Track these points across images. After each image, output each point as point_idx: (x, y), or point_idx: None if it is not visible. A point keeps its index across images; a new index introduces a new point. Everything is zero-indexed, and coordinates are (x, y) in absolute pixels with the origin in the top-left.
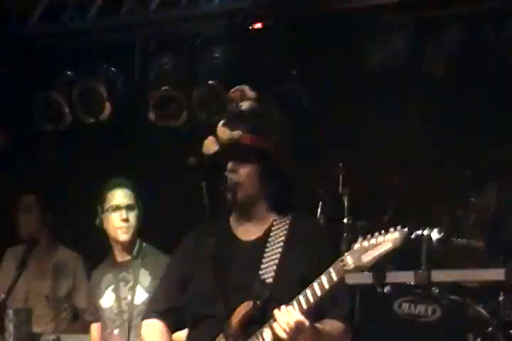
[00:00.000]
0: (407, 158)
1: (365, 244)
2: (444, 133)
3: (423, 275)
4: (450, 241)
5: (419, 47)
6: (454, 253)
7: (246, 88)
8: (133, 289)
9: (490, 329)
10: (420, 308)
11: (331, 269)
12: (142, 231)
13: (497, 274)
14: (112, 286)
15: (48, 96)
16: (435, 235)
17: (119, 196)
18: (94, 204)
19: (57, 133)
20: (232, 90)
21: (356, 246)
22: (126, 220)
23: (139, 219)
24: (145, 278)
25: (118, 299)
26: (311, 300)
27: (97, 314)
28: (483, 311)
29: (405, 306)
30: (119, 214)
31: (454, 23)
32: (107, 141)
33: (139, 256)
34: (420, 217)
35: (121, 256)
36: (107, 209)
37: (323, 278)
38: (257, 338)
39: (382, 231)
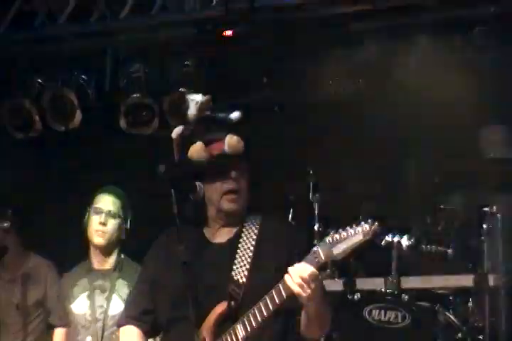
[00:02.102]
0: (378, 166)
1: (337, 236)
2: (415, 140)
3: (393, 282)
4: (420, 247)
5: (389, 54)
6: (423, 260)
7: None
8: (109, 298)
9: (459, 335)
10: (390, 315)
11: (303, 262)
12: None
13: (466, 280)
14: (87, 293)
15: (17, 103)
16: (405, 242)
17: (104, 200)
18: (63, 211)
19: (27, 140)
20: (203, 100)
21: (327, 238)
22: (103, 224)
23: (120, 229)
24: (123, 288)
25: (92, 306)
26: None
27: (63, 318)
28: (452, 317)
29: (375, 313)
30: (98, 217)
31: (425, 30)
32: (78, 149)
33: (117, 268)
34: (390, 224)
35: (98, 264)
36: (90, 211)
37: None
38: (230, 335)
39: (354, 225)
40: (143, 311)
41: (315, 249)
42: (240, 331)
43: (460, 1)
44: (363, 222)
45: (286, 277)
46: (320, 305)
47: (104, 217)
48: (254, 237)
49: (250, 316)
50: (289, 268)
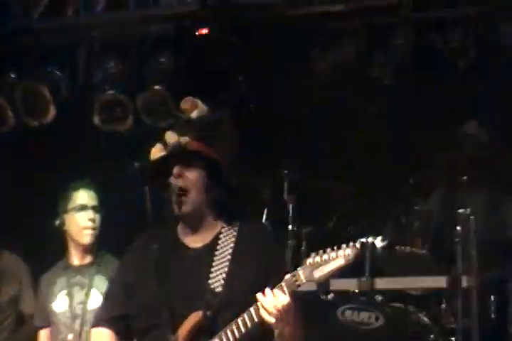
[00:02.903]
0: (353, 165)
1: (318, 259)
2: (391, 141)
3: (366, 282)
4: (394, 248)
5: (366, 53)
6: (397, 261)
7: (198, 101)
8: (87, 293)
9: (432, 336)
10: (363, 315)
11: (283, 284)
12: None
13: (439, 282)
14: (66, 290)
15: None
16: (379, 242)
17: (85, 196)
18: (38, 208)
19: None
20: (183, 101)
21: (309, 261)
22: (92, 220)
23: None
24: (101, 283)
25: (71, 303)
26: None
27: (47, 319)
28: (425, 318)
29: (349, 313)
30: (86, 214)
31: (403, 30)
32: (51, 145)
33: (95, 262)
34: (364, 225)
35: (78, 260)
36: (72, 209)
37: (276, 292)
38: None
39: (335, 247)
40: (117, 316)
41: (296, 271)
42: None
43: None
44: (344, 246)
45: (260, 305)
46: (292, 330)
47: (92, 213)
48: (232, 245)
49: (228, 332)
50: (261, 297)
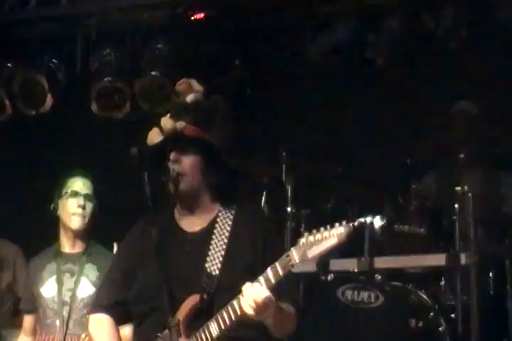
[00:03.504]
0: (350, 147)
1: (311, 238)
2: (387, 122)
3: (366, 262)
4: (392, 228)
5: (361, 35)
6: (396, 240)
7: (193, 81)
8: (77, 281)
9: (432, 314)
10: (363, 295)
11: (277, 264)
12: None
13: (438, 259)
14: (55, 276)
15: None
16: (377, 222)
17: (80, 183)
18: (36, 196)
19: None
20: (179, 82)
21: (302, 241)
22: (83, 207)
23: (95, 213)
24: (91, 271)
25: (61, 290)
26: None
27: (33, 303)
28: (424, 296)
29: (349, 293)
30: (76, 200)
31: (394, 11)
32: (49, 133)
33: (87, 251)
34: (363, 205)
35: (69, 247)
36: (65, 194)
37: (270, 273)
38: (204, 332)
39: (328, 226)
40: (114, 301)
41: (290, 251)
42: (214, 329)
43: None
44: (337, 224)
45: (241, 298)
46: (277, 320)
47: (82, 200)
48: (228, 228)
49: (224, 315)
50: (244, 290)
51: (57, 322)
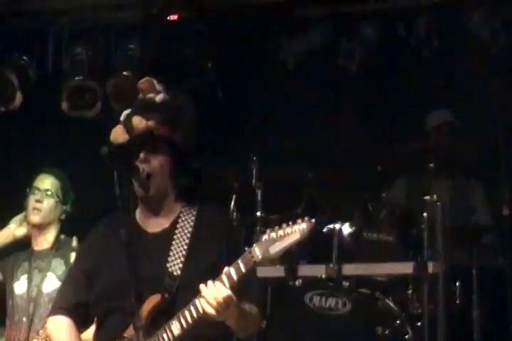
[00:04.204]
0: (321, 152)
1: (273, 235)
2: (357, 128)
3: (334, 268)
4: (361, 235)
5: (334, 42)
6: (364, 247)
7: (154, 80)
8: (43, 276)
9: (398, 322)
10: (331, 301)
11: (239, 261)
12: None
13: (406, 267)
14: (26, 275)
15: None
16: (346, 229)
17: (41, 180)
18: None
19: None
20: (141, 81)
21: (264, 237)
22: (39, 201)
23: (57, 209)
24: (59, 266)
25: (30, 286)
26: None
27: None
28: (391, 304)
29: (316, 299)
30: (34, 196)
31: (369, 19)
32: (18, 131)
33: (54, 247)
34: (332, 211)
35: (37, 245)
36: (29, 191)
37: (232, 270)
38: (165, 331)
39: (290, 223)
40: (76, 303)
41: (252, 247)
42: (175, 328)
43: None
44: (299, 220)
45: (202, 296)
46: (239, 320)
47: (40, 195)
48: (190, 229)
49: (186, 314)
50: (203, 289)
51: (24, 319)
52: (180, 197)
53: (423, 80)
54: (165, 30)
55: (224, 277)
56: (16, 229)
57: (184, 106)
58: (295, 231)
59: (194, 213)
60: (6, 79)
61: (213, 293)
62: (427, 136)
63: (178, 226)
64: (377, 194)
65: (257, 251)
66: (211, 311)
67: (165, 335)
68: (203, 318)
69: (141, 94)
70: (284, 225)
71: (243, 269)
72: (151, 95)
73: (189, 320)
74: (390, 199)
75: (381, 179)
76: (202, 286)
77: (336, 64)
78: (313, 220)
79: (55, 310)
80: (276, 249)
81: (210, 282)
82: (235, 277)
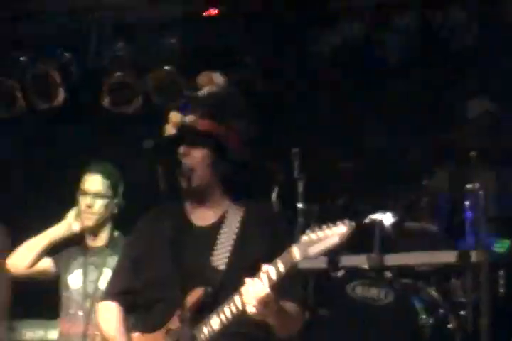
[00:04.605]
0: (362, 143)
1: (313, 236)
2: (399, 118)
3: (376, 258)
4: (403, 224)
5: (372, 34)
6: (406, 237)
7: (216, 74)
8: (100, 272)
9: (441, 311)
10: (373, 292)
11: (278, 260)
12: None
13: (449, 257)
14: (81, 270)
15: (0, 81)
16: (388, 219)
17: (90, 181)
18: (46, 189)
19: (10, 118)
20: (200, 75)
21: (304, 238)
22: (89, 207)
23: (108, 208)
24: (114, 262)
25: (85, 281)
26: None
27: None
28: (434, 294)
29: (358, 290)
30: (84, 199)
31: (408, 10)
32: (61, 127)
33: (109, 245)
34: (373, 201)
35: (90, 241)
36: (79, 192)
37: (271, 269)
38: (206, 326)
39: (330, 224)
40: (123, 290)
41: (291, 248)
42: (216, 323)
43: None
44: (339, 222)
45: (241, 295)
46: (279, 320)
47: (90, 199)
48: (237, 225)
49: (225, 310)
50: (243, 288)
51: (80, 313)
52: (227, 192)
53: (462, 69)
54: (204, 24)
55: (263, 275)
56: (73, 223)
57: (233, 100)
58: (334, 234)
59: (243, 209)
60: (48, 75)
61: (252, 291)
62: (469, 124)
63: (225, 221)
64: (419, 183)
65: (295, 252)
66: (250, 309)
67: (205, 329)
68: (242, 315)
69: (196, 88)
70: (325, 227)
71: (282, 269)
72: (207, 88)
73: (229, 316)
74: (431, 189)
75: (423, 168)
76: (243, 285)
77: (372, 54)
78: (353, 223)
79: (105, 296)
80: (315, 250)
81: (249, 280)
82: (274, 277)
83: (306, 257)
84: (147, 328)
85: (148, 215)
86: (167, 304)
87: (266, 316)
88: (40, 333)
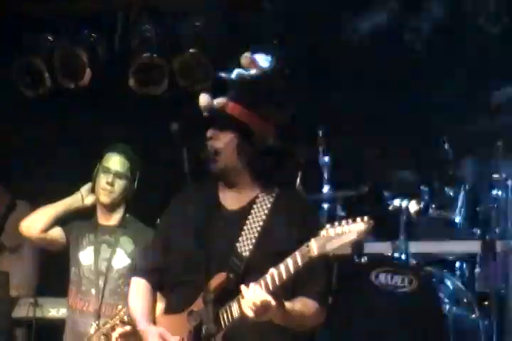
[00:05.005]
0: (387, 130)
1: (331, 232)
2: (424, 107)
3: (401, 246)
4: (428, 213)
5: (400, 19)
6: (431, 225)
7: (260, 56)
8: (113, 251)
9: (465, 300)
10: (397, 279)
11: (297, 253)
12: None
13: (473, 246)
14: (93, 247)
15: (28, 60)
16: (413, 206)
17: (113, 160)
18: (73, 168)
19: (37, 97)
20: (242, 57)
21: (323, 233)
22: (111, 184)
23: (126, 190)
24: (127, 244)
25: (97, 259)
26: (277, 281)
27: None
28: (458, 283)
29: (382, 277)
30: (106, 177)
31: None
32: (87, 107)
33: (122, 225)
34: (399, 188)
35: (104, 220)
36: (99, 169)
37: (289, 262)
38: (226, 312)
39: (350, 220)
40: (153, 267)
41: (309, 242)
42: (235, 310)
43: None
44: (359, 219)
45: (241, 299)
46: (285, 320)
47: (111, 177)
48: (266, 211)
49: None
50: (243, 288)
51: (93, 290)
52: (257, 177)
53: (491, 58)
54: (231, 7)
55: (268, 278)
56: (85, 197)
57: (272, 85)
58: (352, 231)
59: (273, 195)
60: (75, 55)
61: (251, 297)
62: (495, 114)
63: (254, 206)
64: (445, 171)
65: (313, 246)
66: (249, 313)
67: (225, 315)
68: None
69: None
70: (344, 222)
71: (299, 262)
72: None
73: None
74: (456, 178)
75: (448, 156)
76: (243, 287)
77: (402, 41)
78: (371, 221)
79: (137, 272)
80: (332, 246)
81: (251, 285)
82: (292, 269)
83: (322, 252)
84: (171, 309)
85: (180, 196)
86: (191, 286)
87: (268, 319)
88: (64, 311)
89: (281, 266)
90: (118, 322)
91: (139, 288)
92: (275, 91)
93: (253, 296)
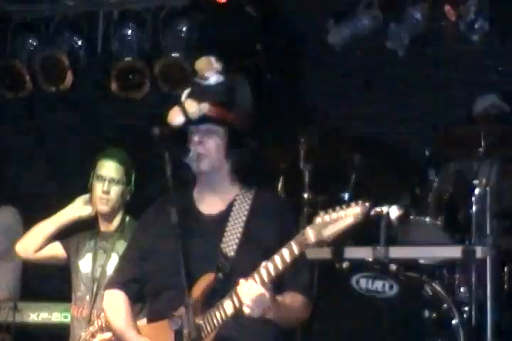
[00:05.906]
0: (369, 135)
1: (327, 218)
2: (406, 112)
3: (381, 251)
4: (409, 218)
5: (383, 25)
6: (412, 231)
7: (212, 59)
8: (108, 256)
9: (445, 306)
10: (377, 284)
11: (293, 242)
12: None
13: (454, 252)
14: (91, 253)
15: (8, 63)
16: (394, 212)
17: (106, 167)
18: (52, 170)
19: (17, 101)
20: (198, 60)
21: (318, 219)
22: (106, 193)
23: (123, 195)
24: (122, 248)
25: (94, 266)
26: (272, 272)
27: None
28: (439, 288)
29: (363, 282)
30: (101, 185)
31: (417, 2)
32: (68, 110)
33: (119, 229)
34: (379, 194)
35: (103, 226)
36: (93, 177)
37: (285, 251)
38: (218, 309)
39: (344, 206)
40: (130, 279)
41: (305, 230)
42: (228, 307)
43: None
44: (353, 204)
45: (237, 295)
46: (277, 314)
47: (107, 185)
48: (246, 212)
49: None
50: (239, 287)
51: (87, 297)
52: (236, 178)
53: (471, 64)
54: (213, 12)
55: (263, 271)
56: (80, 208)
57: (239, 87)
58: (349, 215)
59: (251, 197)
60: (57, 59)
61: (247, 291)
62: (475, 120)
63: (233, 208)
64: (425, 177)
65: (310, 234)
66: (246, 309)
67: (217, 313)
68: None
69: (197, 76)
70: (338, 208)
71: (296, 250)
72: (206, 75)
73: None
74: (438, 183)
75: (429, 163)
76: (238, 286)
77: (383, 48)
78: (367, 204)
79: (111, 284)
80: (329, 232)
81: (243, 280)
82: (288, 259)
83: (320, 239)
84: (154, 316)
85: (155, 204)
86: (174, 291)
87: (263, 315)
88: (44, 315)
89: (276, 257)
90: (97, 328)
91: (118, 299)
92: (248, 94)
93: (248, 290)
